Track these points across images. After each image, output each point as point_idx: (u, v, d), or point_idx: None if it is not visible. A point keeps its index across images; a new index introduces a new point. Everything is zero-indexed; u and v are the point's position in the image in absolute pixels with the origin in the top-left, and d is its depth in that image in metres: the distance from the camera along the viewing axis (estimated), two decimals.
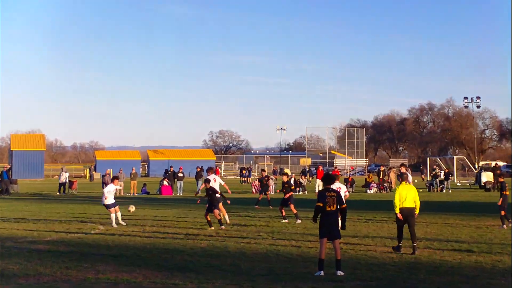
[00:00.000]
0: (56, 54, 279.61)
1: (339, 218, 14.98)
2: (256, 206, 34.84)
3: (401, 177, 18.45)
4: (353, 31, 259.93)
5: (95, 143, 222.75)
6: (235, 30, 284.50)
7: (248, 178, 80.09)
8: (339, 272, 14.16)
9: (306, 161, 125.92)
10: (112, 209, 25.52)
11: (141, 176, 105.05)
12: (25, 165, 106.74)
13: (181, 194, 53.36)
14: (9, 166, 61.22)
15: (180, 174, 55.47)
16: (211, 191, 24.43)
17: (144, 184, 58.29)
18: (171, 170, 58.05)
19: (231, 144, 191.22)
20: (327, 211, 14.32)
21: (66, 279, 13.83)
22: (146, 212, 32.83)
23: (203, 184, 25.42)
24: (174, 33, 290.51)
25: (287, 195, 27.49)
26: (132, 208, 27.11)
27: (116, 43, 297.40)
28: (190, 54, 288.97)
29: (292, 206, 27.09)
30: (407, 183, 18.31)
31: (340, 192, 15.46)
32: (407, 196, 17.85)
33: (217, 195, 24.65)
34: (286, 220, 26.79)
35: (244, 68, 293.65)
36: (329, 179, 15.02)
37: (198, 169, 56.22)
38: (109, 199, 25.72)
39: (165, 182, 55.11)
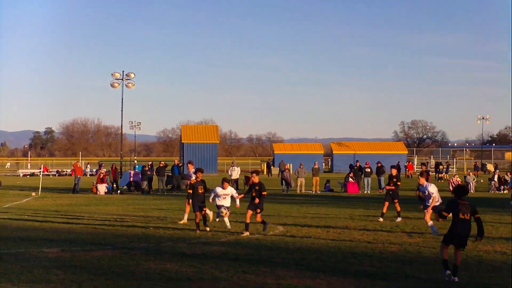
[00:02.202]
0: (232, 43, 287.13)
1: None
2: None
3: None
4: None
5: (273, 135, 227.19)
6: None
7: (445, 175, 78.60)
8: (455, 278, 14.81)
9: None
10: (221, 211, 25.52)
11: (324, 172, 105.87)
12: (197, 158, 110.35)
13: (368, 192, 53.39)
14: (179, 163, 63.84)
15: (368, 170, 55.49)
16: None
17: (328, 181, 58.79)
18: (357, 165, 58.16)
19: (425, 136, 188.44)
20: (460, 218, 14.98)
21: (244, 284, 14.38)
22: (329, 211, 33.22)
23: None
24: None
25: None
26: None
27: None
28: (385, 38, 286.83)
29: None
30: None
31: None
32: None
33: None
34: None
35: (442, 49, 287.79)
36: (461, 192, 15.32)
37: (379, 165, 55.87)
38: (221, 201, 25.68)
39: (351, 179, 55.32)
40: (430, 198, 24.77)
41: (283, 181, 55.05)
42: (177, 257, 18.17)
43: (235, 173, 57.16)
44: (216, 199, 25.70)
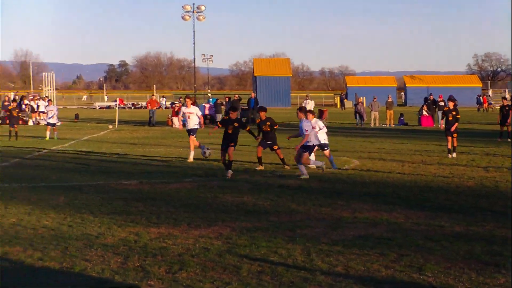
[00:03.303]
0: None
1: None
2: (498, 139, 35.36)
3: None
4: None
5: (345, 68, 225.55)
6: None
7: None
8: None
9: None
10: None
11: (398, 105, 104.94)
12: (270, 92, 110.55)
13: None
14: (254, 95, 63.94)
15: (441, 103, 54.77)
16: None
17: (401, 114, 58.31)
18: (431, 99, 57.42)
19: (499, 69, 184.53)
20: None
21: (320, 217, 14.45)
22: (404, 146, 33.01)
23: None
24: None
25: None
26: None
27: None
28: None
29: None
30: None
31: None
32: None
33: None
34: None
35: None
36: None
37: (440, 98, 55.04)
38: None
39: (425, 112, 54.69)
40: None
41: (357, 114, 54.80)
42: (254, 190, 18.33)
43: (309, 106, 57.01)
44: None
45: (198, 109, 27.71)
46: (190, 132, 26.78)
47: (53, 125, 39.15)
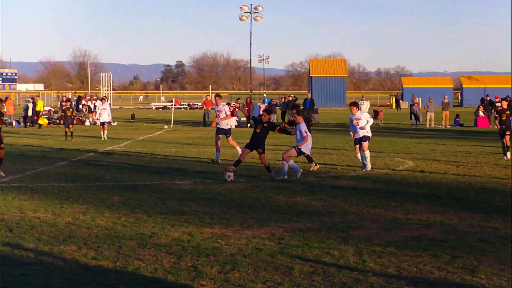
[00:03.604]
0: None
1: None
2: None
3: None
4: None
5: (402, 68, 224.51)
6: None
7: None
8: None
9: None
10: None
11: (454, 106, 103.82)
12: (326, 92, 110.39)
13: None
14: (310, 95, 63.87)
15: (498, 104, 53.98)
16: None
17: (457, 115, 57.66)
18: (488, 99, 56.69)
19: None
20: None
21: (373, 218, 14.38)
22: (459, 147, 32.66)
23: None
24: None
25: None
26: None
27: None
28: None
29: None
30: None
31: None
32: None
33: None
34: None
35: None
36: None
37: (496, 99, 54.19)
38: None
39: (481, 113, 54.01)
40: None
41: (412, 115, 54.36)
42: (307, 191, 18.31)
43: (364, 107, 56.83)
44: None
45: (228, 108, 27.25)
46: (225, 132, 26.58)
47: (104, 123, 39.24)
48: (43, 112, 57.53)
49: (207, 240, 12.17)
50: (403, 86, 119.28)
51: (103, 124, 39.27)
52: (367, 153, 22.98)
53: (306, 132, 21.32)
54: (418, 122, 53.90)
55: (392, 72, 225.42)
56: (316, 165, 22.94)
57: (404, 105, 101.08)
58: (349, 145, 33.46)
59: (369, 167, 22.83)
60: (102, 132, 39.04)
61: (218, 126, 26.54)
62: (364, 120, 23.01)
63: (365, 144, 22.99)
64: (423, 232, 12.86)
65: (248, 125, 52.32)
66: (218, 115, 26.69)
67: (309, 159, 22.83)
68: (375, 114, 57.46)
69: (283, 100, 57.17)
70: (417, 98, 57.71)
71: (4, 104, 55.02)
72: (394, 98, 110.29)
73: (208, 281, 9.60)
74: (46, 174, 22.07)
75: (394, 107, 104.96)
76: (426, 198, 16.90)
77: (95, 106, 60.98)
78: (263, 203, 16.38)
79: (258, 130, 21.92)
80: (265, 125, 22.00)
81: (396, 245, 11.72)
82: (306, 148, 21.48)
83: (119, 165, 24.89)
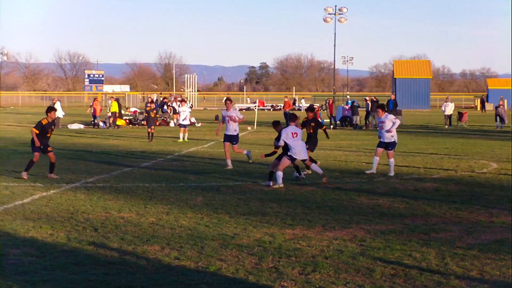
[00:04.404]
0: None
1: None
2: None
3: None
4: None
5: (487, 70, 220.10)
6: None
7: None
8: None
9: None
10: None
11: None
12: (410, 94, 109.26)
13: None
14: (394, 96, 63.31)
15: None
16: None
17: None
18: None
19: None
20: None
21: (456, 221, 14.18)
22: None
23: None
24: None
25: None
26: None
27: None
28: None
29: None
30: None
31: None
32: None
33: None
34: None
35: None
36: None
37: None
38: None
39: None
40: None
41: (497, 117, 53.31)
42: (390, 193, 18.17)
43: (449, 108, 55.97)
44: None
45: (239, 112, 25.35)
46: (231, 139, 24.79)
47: (185, 126, 39.17)
48: (124, 113, 58.42)
49: (288, 241, 12.19)
50: (488, 87, 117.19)
51: (183, 126, 39.00)
52: (392, 160, 22.35)
53: (296, 133, 19.80)
54: (503, 124, 52.83)
55: (477, 73, 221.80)
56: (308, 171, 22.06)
57: (489, 106, 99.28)
58: (433, 147, 33.08)
59: (392, 173, 22.01)
60: (180, 134, 38.81)
61: (226, 133, 24.87)
62: (389, 123, 22.41)
63: (391, 152, 22.38)
64: (506, 235, 12.63)
65: (331, 126, 52.17)
66: (228, 121, 24.74)
67: (306, 166, 21.30)
68: (459, 116, 56.59)
69: (368, 101, 56.64)
70: (501, 100, 56.57)
71: (92, 106, 56.21)
72: (479, 100, 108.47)
73: (289, 282, 9.62)
74: (130, 174, 22.44)
75: (479, 108, 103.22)
76: (510, 201, 16.56)
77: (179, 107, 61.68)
78: (345, 204, 16.33)
79: (310, 131, 22.37)
80: (312, 124, 22.52)
81: (479, 248, 11.54)
82: (301, 154, 19.97)
83: (203, 166, 25.12)
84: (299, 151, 19.79)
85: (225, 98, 26.89)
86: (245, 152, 25.36)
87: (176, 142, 37.32)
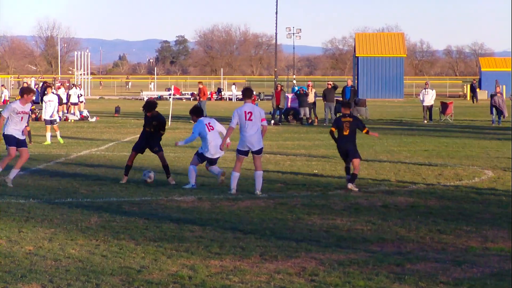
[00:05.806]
0: None
1: None
2: None
3: None
4: None
5: (480, 46, 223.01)
6: None
7: None
8: None
9: None
10: None
11: None
12: (377, 78, 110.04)
13: None
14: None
15: None
16: None
17: None
18: None
19: None
20: None
21: (439, 247, 14.33)
22: None
23: None
24: None
25: None
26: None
27: None
28: None
29: None
30: None
31: None
32: None
33: None
34: None
35: None
36: None
37: None
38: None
39: None
40: None
41: (493, 108, 53.96)
42: (350, 210, 18.33)
43: (429, 98, 56.21)
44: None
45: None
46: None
47: (52, 123, 36.87)
48: None
49: (215, 276, 12.22)
50: (482, 69, 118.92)
51: (48, 123, 36.85)
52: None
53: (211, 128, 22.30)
54: (501, 117, 53.39)
55: (467, 51, 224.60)
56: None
57: (483, 95, 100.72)
58: (408, 149, 33.41)
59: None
60: (47, 133, 36.84)
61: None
62: None
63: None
64: (506, 266, 12.83)
65: (272, 121, 52.01)
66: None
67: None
68: (443, 108, 57.15)
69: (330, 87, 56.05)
70: (499, 86, 57.33)
71: None
72: (469, 86, 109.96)
73: None
74: None
75: (469, 98, 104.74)
76: (509, 221, 16.84)
77: (68, 96, 60.92)
78: (290, 226, 16.41)
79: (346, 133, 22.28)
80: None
81: (469, 284, 11.70)
82: (215, 149, 21.95)
83: (99, 175, 24.96)
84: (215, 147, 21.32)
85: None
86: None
87: (69, 144, 36.66)
